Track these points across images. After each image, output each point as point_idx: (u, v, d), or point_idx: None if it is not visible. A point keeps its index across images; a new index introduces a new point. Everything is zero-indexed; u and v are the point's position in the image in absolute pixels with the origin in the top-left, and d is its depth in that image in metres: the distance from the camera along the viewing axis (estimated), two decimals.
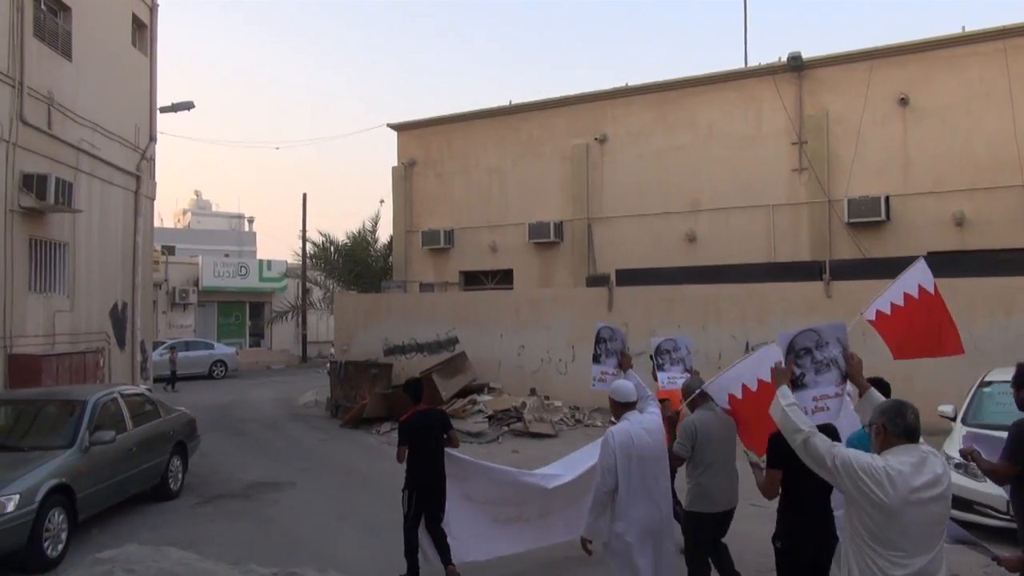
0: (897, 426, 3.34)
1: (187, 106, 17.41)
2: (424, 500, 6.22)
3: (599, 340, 6.03)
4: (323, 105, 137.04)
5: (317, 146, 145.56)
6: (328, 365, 19.79)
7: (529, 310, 17.14)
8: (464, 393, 15.60)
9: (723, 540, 5.60)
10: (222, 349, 28.53)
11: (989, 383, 8.72)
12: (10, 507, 6.59)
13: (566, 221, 21.24)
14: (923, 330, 5.11)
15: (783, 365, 4.07)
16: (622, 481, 4.74)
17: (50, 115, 12.58)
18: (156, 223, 19.97)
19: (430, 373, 15.56)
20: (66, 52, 13.22)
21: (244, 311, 35.62)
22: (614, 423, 5.01)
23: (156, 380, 24.16)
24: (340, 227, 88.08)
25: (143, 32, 16.54)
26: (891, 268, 14.40)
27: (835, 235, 17.80)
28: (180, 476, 9.92)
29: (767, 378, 4.54)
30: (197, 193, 58.19)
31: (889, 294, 5.21)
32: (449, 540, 6.23)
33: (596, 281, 17.48)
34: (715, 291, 15.28)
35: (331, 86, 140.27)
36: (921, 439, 3.38)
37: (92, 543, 7.60)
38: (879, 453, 3.35)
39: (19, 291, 11.81)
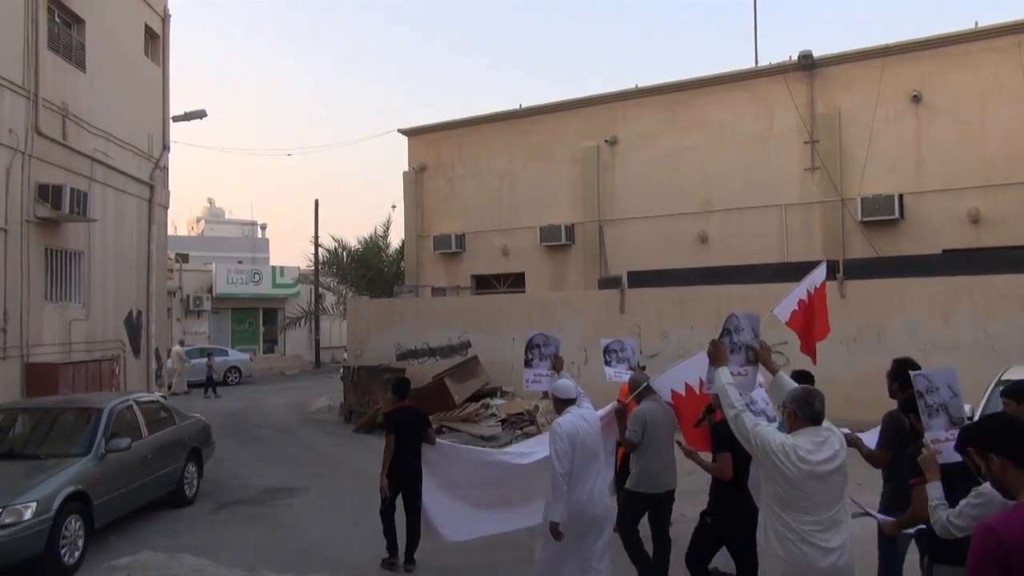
0: (805, 412, 3.93)
1: (199, 115, 17.53)
2: (402, 491, 6.88)
3: (532, 346, 6.57)
4: (335, 111, 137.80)
5: (329, 152, 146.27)
6: (341, 370, 19.86)
7: (541, 313, 17.12)
8: (477, 397, 15.60)
9: (669, 535, 6.07)
10: (236, 356, 28.67)
11: (1006, 382, 8.62)
12: (27, 515, 6.64)
13: (577, 223, 21.21)
14: (812, 321, 5.93)
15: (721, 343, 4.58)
16: (576, 467, 5.23)
17: (65, 126, 12.71)
18: (170, 231, 20.11)
19: (443, 377, 15.57)
20: (80, 64, 13.36)
21: (258, 317, 35.79)
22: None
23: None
24: (352, 233, 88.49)
25: (155, 43, 16.68)
26: (906, 266, 14.44)
27: (848, 234, 17.69)
28: (195, 482, 9.96)
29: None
30: (210, 201, 58.63)
31: (795, 294, 6.05)
32: (435, 524, 6.69)
33: (608, 283, 17.44)
34: (728, 292, 15.20)
35: (342, 92, 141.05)
36: (825, 421, 3.96)
37: (109, 550, 7.64)
38: (790, 433, 3.93)
39: (36, 300, 11.93)
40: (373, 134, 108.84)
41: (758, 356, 4.66)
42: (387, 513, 7.00)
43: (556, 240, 21.21)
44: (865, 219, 17.25)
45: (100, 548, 7.66)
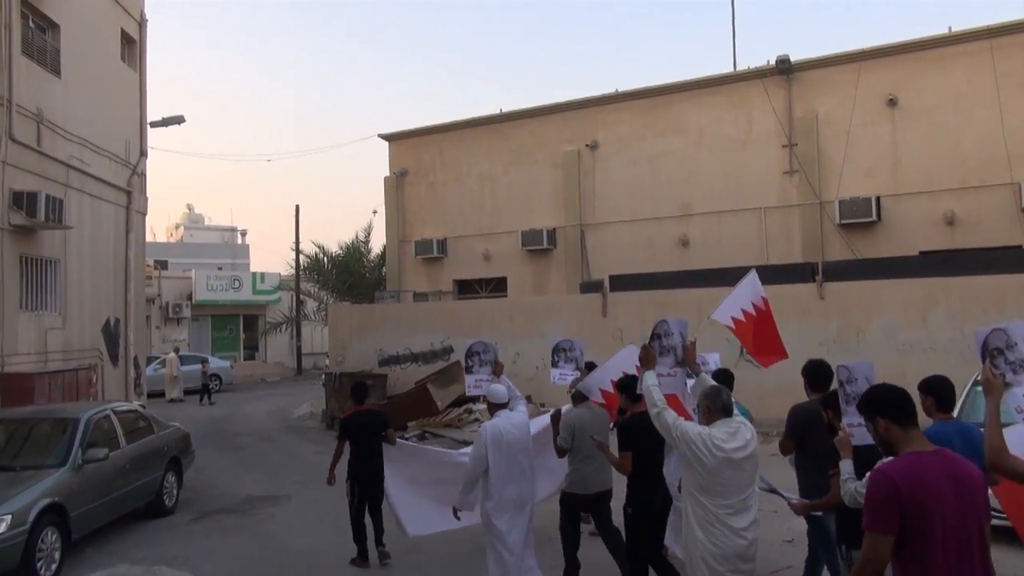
0: (716, 405, 4.49)
1: (178, 120, 17.38)
2: (365, 490, 7.26)
3: (472, 354, 6.82)
4: (315, 116, 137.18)
5: (309, 157, 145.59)
6: (323, 377, 19.72)
7: (523, 318, 17.12)
8: (459, 402, 15.55)
9: (614, 525, 6.27)
10: (216, 363, 28.39)
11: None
12: (2, 528, 6.53)
13: (559, 228, 21.24)
14: (762, 338, 6.27)
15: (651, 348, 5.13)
16: (494, 466, 5.76)
17: (39, 132, 12.54)
18: (148, 237, 19.91)
19: (425, 383, 15.51)
20: (55, 69, 13.20)
21: (238, 324, 35.51)
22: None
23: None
24: (333, 238, 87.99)
25: (132, 47, 16.52)
26: (884, 268, 14.58)
27: (827, 236, 17.84)
28: (175, 492, 9.85)
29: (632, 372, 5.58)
30: (189, 207, 58.15)
31: (735, 301, 6.41)
32: (400, 518, 7.12)
33: (590, 287, 17.47)
34: (709, 294, 15.23)
35: (322, 97, 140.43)
36: (735, 413, 4.51)
37: (86, 563, 7.53)
38: (706, 425, 4.44)
39: (10, 309, 11.75)
40: (354, 139, 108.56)
41: (685, 357, 5.29)
42: (357, 519, 7.33)
43: (538, 244, 21.22)
44: (843, 221, 17.40)
45: (77, 561, 7.54)
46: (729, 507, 4.30)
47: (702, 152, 19.40)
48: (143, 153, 16.60)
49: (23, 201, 11.67)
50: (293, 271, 32.90)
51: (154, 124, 17.16)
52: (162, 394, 23.64)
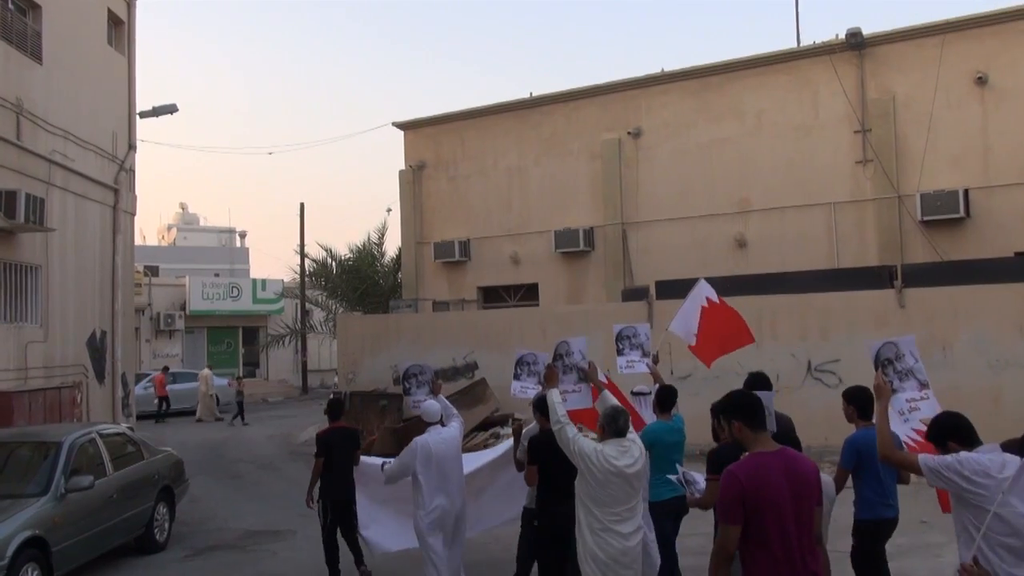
0: (611, 427, 5.48)
1: (170, 110, 17.66)
2: (338, 511, 7.89)
3: (408, 376, 7.85)
4: (321, 104, 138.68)
5: (315, 150, 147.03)
6: (331, 396, 19.87)
7: (557, 329, 17.02)
8: (485, 425, 15.58)
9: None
10: (213, 381, 28.73)
11: None
12: None
13: (597, 227, 21.20)
14: (719, 332, 7.35)
15: (553, 368, 6.37)
16: (424, 479, 6.89)
17: (19, 125, 12.81)
18: (138, 240, 20.26)
19: None
20: (36, 54, 13.48)
21: (237, 337, 35.94)
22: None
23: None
24: (342, 240, 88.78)
25: (120, 29, 16.84)
26: (973, 272, 14.36)
27: (907, 235, 17.60)
28: (166, 525, 9.98)
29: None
30: (183, 206, 59.01)
31: (688, 313, 7.57)
32: (365, 535, 7.93)
33: (633, 295, 17.41)
34: (770, 303, 15.15)
35: (330, 82, 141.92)
36: (630, 433, 5.53)
37: None
38: (601, 442, 5.45)
39: None
40: (365, 129, 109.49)
41: (587, 375, 6.52)
42: (329, 540, 7.97)
43: (573, 246, 21.20)
44: (925, 218, 17.16)
45: None
46: (616, 515, 5.34)
47: (761, 140, 19.27)
48: (132, 146, 16.89)
49: (1, 200, 11.92)
50: (297, 277, 33.22)
51: (144, 114, 17.45)
52: (152, 416, 24.01)
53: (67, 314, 14.24)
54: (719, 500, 3.88)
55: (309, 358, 34.74)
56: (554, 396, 5.80)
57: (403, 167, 24.53)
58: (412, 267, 24.29)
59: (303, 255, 32.60)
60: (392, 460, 7.42)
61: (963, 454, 4.08)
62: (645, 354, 7.90)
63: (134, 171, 17.07)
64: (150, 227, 58.34)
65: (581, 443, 5.39)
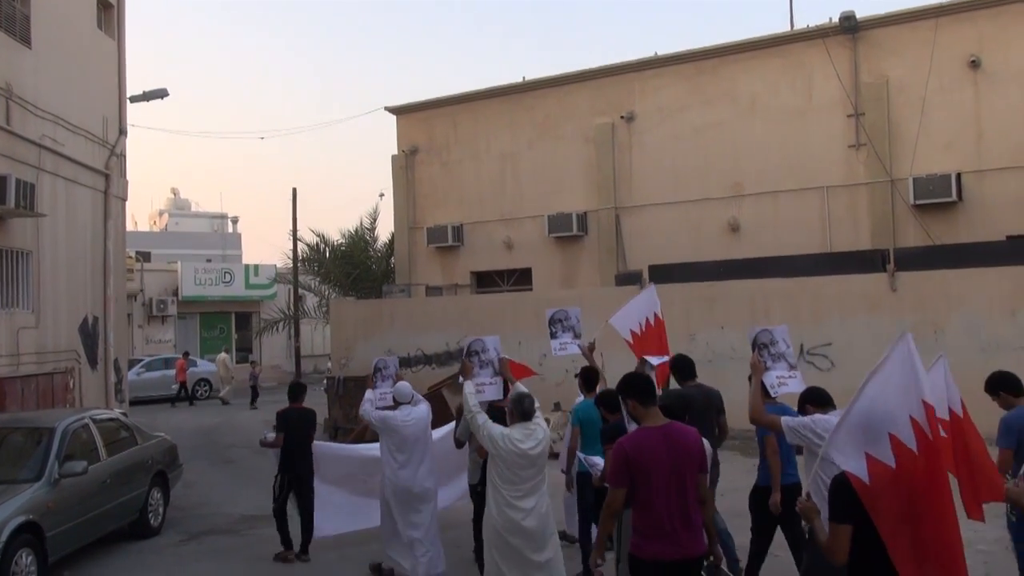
0: (518, 411, 6.10)
1: (160, 94, 17.56)
2: (295, 486, 8.51)
3: (376, 370, 8.68)
4: (313, 88, 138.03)
5: (307, 135, 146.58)
6: (325, 382, 19.90)
7: (550, 311, 17.10)
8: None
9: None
10: (205, 366, 28.75)
11: None
12: None
13: (590, 212, 21.20)
14: (652, 342, 8.04)
15: (470, 363, 7.06)
16: (391, 454, 7.60)
17: (8, 109, 12.72)
18: (129, 226, 20.18)
19: (439, 388, 15.56)
20: (24, 38, 13.36)
21: (229, 323, 35.86)
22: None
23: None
24: (335, 226, 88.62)
25: (109, 13, 16.70)
26: (965, 255, 14.42)
27: (899, 219, 17.65)
28: (161, 510, 10.01)
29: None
30: (174, 192, 58.81)
31: (635, 312, 8.29)
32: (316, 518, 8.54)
33: (627, 279, 17.44)
34: (763, 287, 15.20)
35: (321, 66, 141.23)
36: (537, 415, 6.16)
37: None
38: (509, 426, 6.07)
39: None
40: (357, 113, 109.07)
41: (501, 368, 7.17)
42: (280, 511, 8.57)
43: (567, 231, 21.20)
44: (918, 202, 17.21)
45: None
46: (520, 492, 5.99)
47: (755, 124, 19.26)
48: (122, 131, 16.78)
49: None
50: (290, 263, 33.09)
51: (134, 99, 17.35)
52: (147, 401, 24.07)
53: (59, 300, 14.19)
54: (608, 467, 4.64)
55: (302, 343, 34.67)
56: (468, 388, 6.55)
57: (395, 152, 24.46)
58: (405, 252, 24.27)
59: (295, 240, 32.42)
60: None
61: (816, 415, 5.35)
62: (577, 336, 8.39)
63: (125, 156, 16.97)
64: (141, 213, 58.07)
65: (490, 428, 6.06)
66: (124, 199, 17.01)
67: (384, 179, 30.10)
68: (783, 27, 19.88)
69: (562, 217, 21.24)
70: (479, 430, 6.11)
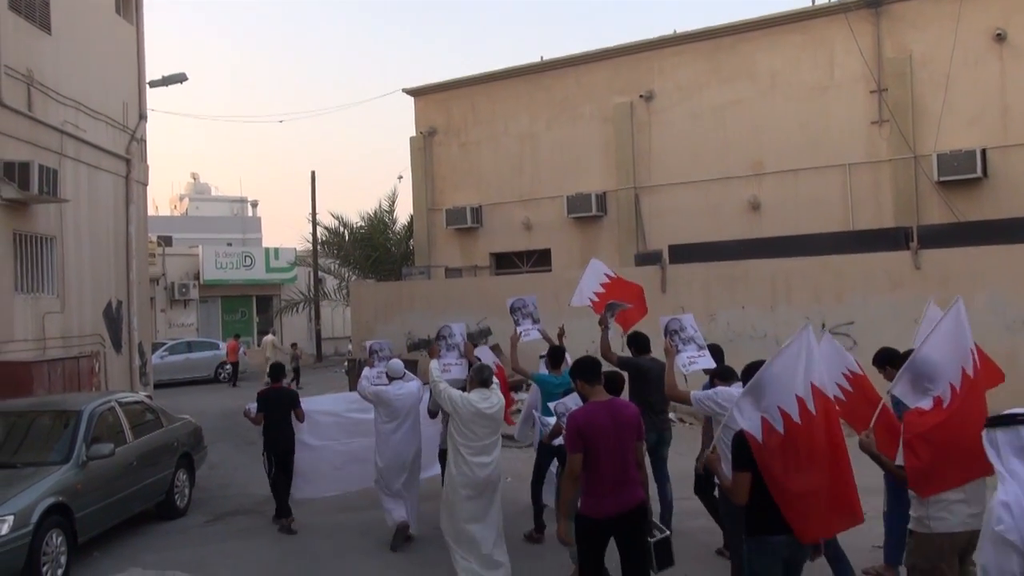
0: (478, 378, 6.93)
1: (179, 79, 17.62)
2: (279, 462, 9.18)
3: (371, 352, 9.25)
4: (331, 72, 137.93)
5: (326, 118, 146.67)
6: (346, 364, 20.03)
7: (569, 294, 17.06)
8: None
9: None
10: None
11: None
12: (4, 529, 6.78)
13: (610, 192, 21.12)
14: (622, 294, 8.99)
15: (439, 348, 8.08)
16: (382, 423, 8.40)
17: (30, 96, 12.81)
18: (150, 211, 20.35)
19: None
20: (45, 25, 13.43)
21: (251, 306, 36.10)
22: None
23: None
24: (354, 208, 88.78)
25: None
26: (991, 232, 14.26)
27: (923, 196, 17.47)
28: (187, 491, 10.12)
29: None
30: (194, 176, 59.11)
31: (587, 286, 9.35)
32: (301, 484, 9.34)
33: (646, 259, 17.38)
34: (784, 266, 15.10)
35: (339, 49, 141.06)
36: (494, 386, 6.94)
37: (94, 567, 7.82)
38: (468, 392, 6.89)
39: (4, 292, 12.11)
40: (375, 95, 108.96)
41: (464, 352, 8.15)
42: (275, 484, 9.22)
43: (586, 211, 21.14)
44: (942, 179, 17.01)
45: (84, 565, 7.83)
46: (476, 449, 6.73)
47: (776, 101, 19.08)
48: (142, 116, 16.87)
49: (15, 172, 11.94)
50: (310, 246, 33.26)
51: (154, 84, 17.41)
52: (171, 384, 24.33)
53: (83, 284, 14.34)
54: (566, 436, 5.44)
55: (323, 326, 34.91)
56: (435, 365, 7.39)
57: (414, 134, 24.44)
58: (424, 234, 24.30)
59: (315, 223, 32.60)
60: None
61: (719, 388, 6.21)
62: (536, 321, 9.21)
63: (145, 141, 17.07)
64: (162, 197, 58.59)
65: (450, 391, 6.85)
66: (145, 184, 17.12)
67: (403, 161, 30.14)
68: (804, 2, 19.65)
69: (581, 197, 21.17)
70: (440, 394, 6.86)
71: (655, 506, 7.10)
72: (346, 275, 30.96)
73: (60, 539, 7.39)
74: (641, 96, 20.71)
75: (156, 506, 9.55)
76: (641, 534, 5.35)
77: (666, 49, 20.57)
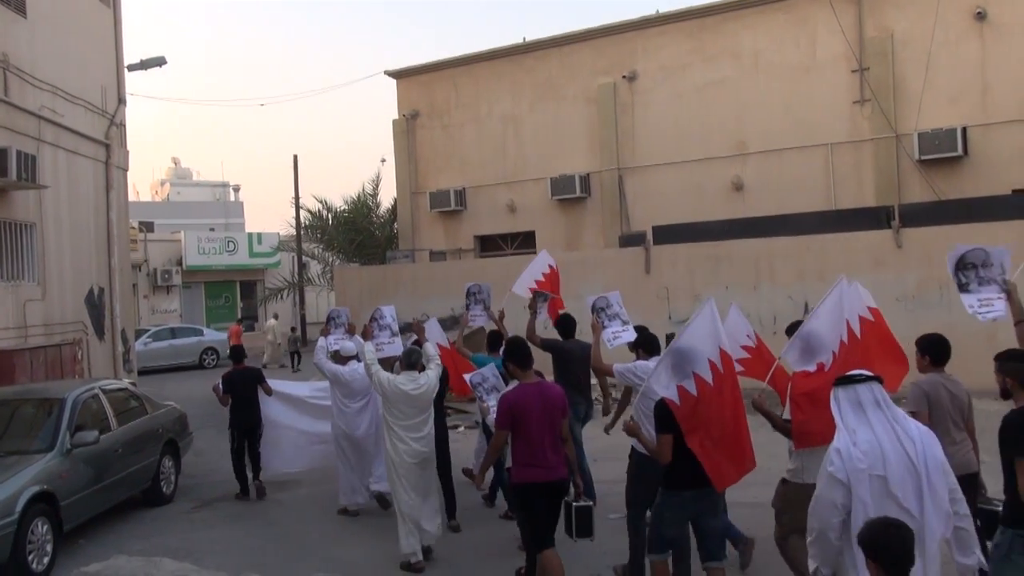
0: (405, 362, 7.48)
1: (158, 62, 17.43)
2: (245, 435, 9.80)
3: (329, 319, 9.69)
4: (312, 54, 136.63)
5: (307, 101, 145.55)
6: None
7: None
8: None
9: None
10: (212, 335, 28.83)
11: None
12: None
13: (593, 173, 21.11)
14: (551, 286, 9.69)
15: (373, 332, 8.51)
16: (340, 402, 8.92)
17: (6, 80, 12.63)
18: (131, 196, 20.14)
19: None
20: (20, 8, 13.22)
21: (234, 291, 35.94)
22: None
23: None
24: (337, 192, 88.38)
25: None
26: (971, 210, 14.38)
27: (904, 175, 17.57)
28: (173, 478, 10.10)
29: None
30: (175, 161, 58.47)
31: (529, 276, 9.86)
32: (270, 458, 9.97)
33: (630, 240, 17.41)
34: (768, 246, 15.16)
35: (320, 31, 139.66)
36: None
37: (80, 554, 7.79)
38: (398, 373, 7.44)
39: None
40: (357, 78, 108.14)
41: (414, 331, 8.27)
42: (238, 459, 9.81)
43: (569, 193, 21.13)
44: (923, 157, 17.10)
45: (70, 553, 7.80)
46: (405, 426, 7.21)
47: (758, 81, 19.09)
48: (121, 101, 16.68)
49: None
50: (293, 230, 33.07)
51: (132, 67, 17.21)
52: (155, 371, 24.23)
53: (64, 272, 14.22)
54: (496, 414, 6.06)
55: (307, 311, 34.80)
56: (368, 347, 7.79)
57: (396, 116, 24.31)
58: (408, 217, 24.23)
59: (298, 208, 32.38)
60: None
61: (638, 362, 6.72)
62: (486, 308, 9.77)
63: (125, 126, 16.89)
64: (143, 182, 58.01)
65: (380, 375, 7.28)
66: (125, 169, 16.96)
67: (386, 144, 29.99)
68: None
69: (565, 179, 21.15)
70: (372, 377, 7.32)
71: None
72: (330, 259, 30.82)
73: (45, 527, 7.36)
74: (624, 77, 20.67)
75: (142, 493, 9.53)
76: (560, 502, 5.97)
77: (649, 29, 20.52)
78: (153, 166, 77.21)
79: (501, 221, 22.61)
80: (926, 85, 17.23)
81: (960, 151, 16.77)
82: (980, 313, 5.94)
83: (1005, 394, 4.68)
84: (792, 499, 5.50)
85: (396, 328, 8.87)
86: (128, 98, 17.03)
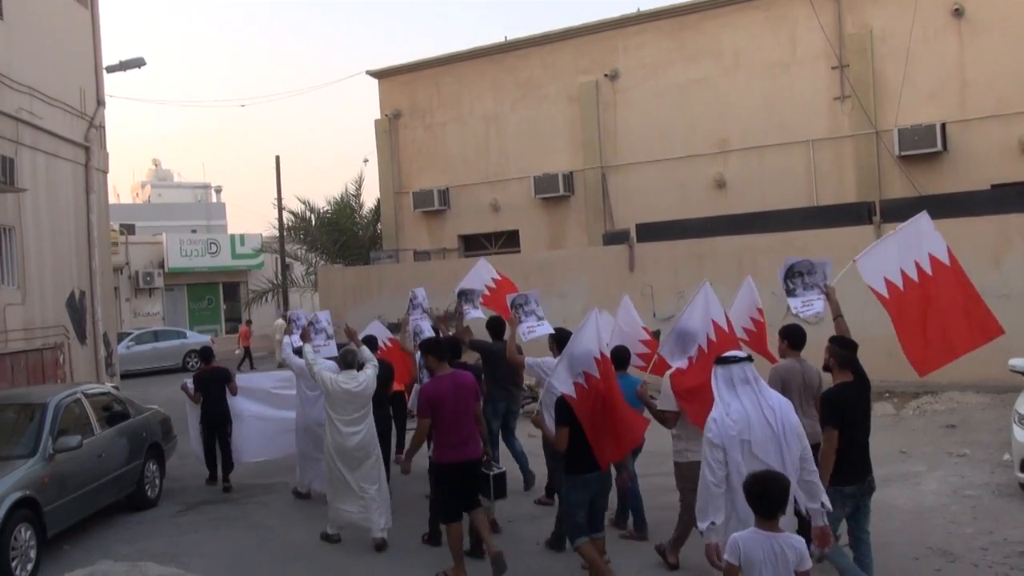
0: (343, 362, 7.96)
1: (137, 63, 17.32)
2: (216, 431, 10.40)
3: (290, 320, 10.74)
4: (293, 54, 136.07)
5: (289, 101, 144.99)
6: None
7: (539, 275, 17.13)
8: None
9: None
10: (195, 338, 28.62)
11: None
12: None
13: (576, 172, 21.14)
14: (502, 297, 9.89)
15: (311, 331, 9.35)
16: (304, 391, 9.36)
17: None
18: (112, 199, 20.02)
19: None
20: None
21: (217, 293, 35.71)
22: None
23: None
24: (320, 193, 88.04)
25: None
26: (950, 205, 14.50)
27: (885, 171, 17.68)
28: (157, 482, 10.03)
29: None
30: (156, 163, 58.10)
31: (479, 281, 10.63)
32: (241, 450, 10.51)
33: (614, 238, 17.45)
34: (750, 242, 15.23)
35: (301, 31, 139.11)
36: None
37: (64, 560, 7.72)
38: (339, 372, 7.86)
39: None
40: (339, 78, 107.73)
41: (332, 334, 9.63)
42: (209, 452, 10.52)
43: (553, 191, 21.15)
44: (903, 153, 17.22)
45: (54, 559, 7.74)
46: (344, 420, 7.71)
47: (739, 79, 19.17)
48: (100, 102, 16.56)
49: None
50: (276, 232, 32.88)
51: (111, 69, 17.09)
52: (138, 374, 24.08)
53: (44, 275, 14.10)
54: (418, 404, 6.69)
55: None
56: (307, 348, 8.46)
57: (379, 116, 24.25)
58: (391, 217, 24.18)
59: (280, 209, 32.18)
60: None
61: (545, 359, 7.69)
62: (424, 312, 10.40)
63: (104, 128, 16.77)
64: (123, 185, 57.59)
65: (322, 373, 7.82)
66: (105, 171, 16.84)
67: (368, 144, 29.95)
68: None
69: (548, 178, 21.17)
70: (315, 376, 7.93)
71: (513, 463, 8.92)
72: (314, 260, 30.67)
73: (29, 533, 7.29)
74: (606, 75, 20.71)
75: (127, 497, 9.45)
76: (478, 475, 6.74)
77: (630, 28, 20.56)
78: (134, 168, 76.82)
79: (485, 220, 22.60)
80: (905, 81, 17.36)
81: (939, 147, 16.91)
82: (802, 312, 6.92)
83: (826, 368, 5.78)
84: (687, 475, 6.15)
85: (331, 332, 9.91)
86: (108, 100, 16.94)
